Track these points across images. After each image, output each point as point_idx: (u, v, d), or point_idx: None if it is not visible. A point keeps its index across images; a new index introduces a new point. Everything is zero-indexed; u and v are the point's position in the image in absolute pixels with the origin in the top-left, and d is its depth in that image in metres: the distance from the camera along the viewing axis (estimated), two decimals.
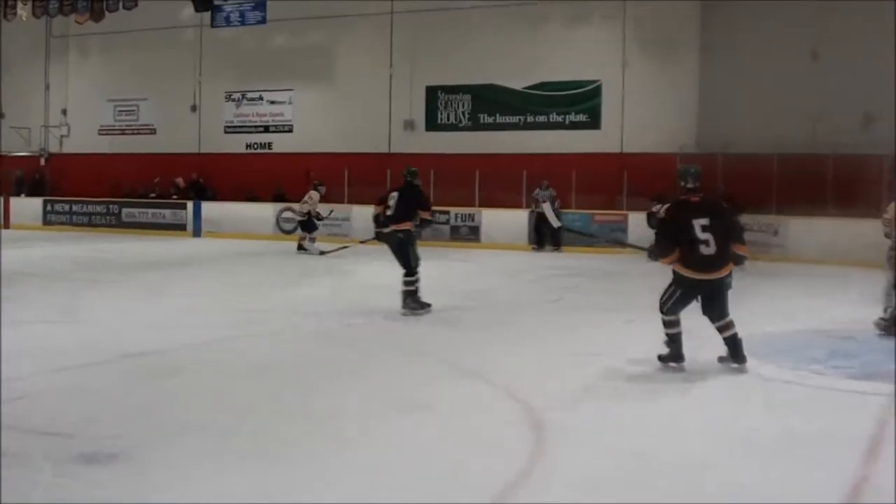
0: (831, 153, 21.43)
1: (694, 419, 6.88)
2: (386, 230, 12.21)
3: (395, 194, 12.25)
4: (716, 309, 8.52)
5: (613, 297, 12.78)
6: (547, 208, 19.75)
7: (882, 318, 10.37)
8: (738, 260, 8.54)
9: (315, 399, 7.33)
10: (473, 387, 7.92)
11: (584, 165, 24.52)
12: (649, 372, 8.66)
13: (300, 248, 21.56)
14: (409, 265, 11.89)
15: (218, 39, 29.86)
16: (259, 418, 6.62)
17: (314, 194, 21.86)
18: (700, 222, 8.38)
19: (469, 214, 24.76)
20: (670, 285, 8.62)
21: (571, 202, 24.05)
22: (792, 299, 13.96)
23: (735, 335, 8.49)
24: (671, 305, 8.57)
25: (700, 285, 8.46)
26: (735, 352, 8.50)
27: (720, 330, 8.53)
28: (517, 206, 24.29)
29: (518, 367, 8.72)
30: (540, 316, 12.28)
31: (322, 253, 20.70)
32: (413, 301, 11.84)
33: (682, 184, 8.68)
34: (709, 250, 8.32)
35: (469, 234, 23.77)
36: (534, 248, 23.28)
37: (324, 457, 5.75)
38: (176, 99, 30.83)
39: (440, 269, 14.51)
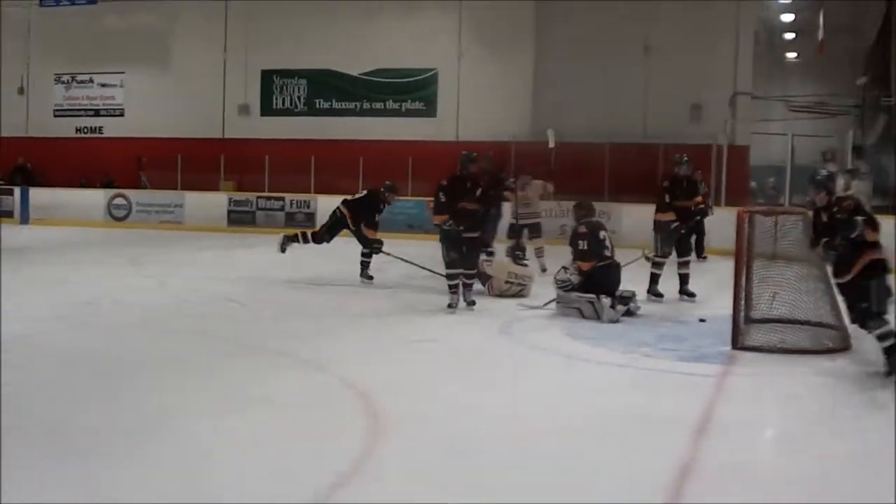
0: (661, 143, 22.00)
1: (528, 404, 6.91)
2: None
3: None
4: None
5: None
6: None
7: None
8: None
9: (144, 394, 7.03)
10: (309, 377, 7.78)
11: (420, 153, 24.55)
12: (485, 358, 8.73)
13: None
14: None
15: (47, 20, 28.95)
16: (87, 414, 6.34)
17: None
18: None
19: (304, 201, 24.54)
20: None
21: (408, 189, 24.07)
22: (622, 285, 14.20)
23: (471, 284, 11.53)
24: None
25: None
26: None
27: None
28: (355, 192, 24.06)
29: (353, 355, 8.64)
30: (375, 303, 12.23)
31: None
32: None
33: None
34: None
35: (305, 220, 23.48)
36: None
37: (153, 454, 5.55)
38: (2, 81, 29.60)
39: (274, 255, 14.31)
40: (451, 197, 11.27)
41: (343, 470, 5.23)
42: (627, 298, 10.92)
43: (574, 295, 10.98)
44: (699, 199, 13.11)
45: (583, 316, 10.72)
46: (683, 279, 12.48)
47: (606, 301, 10.68)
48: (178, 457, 5.51)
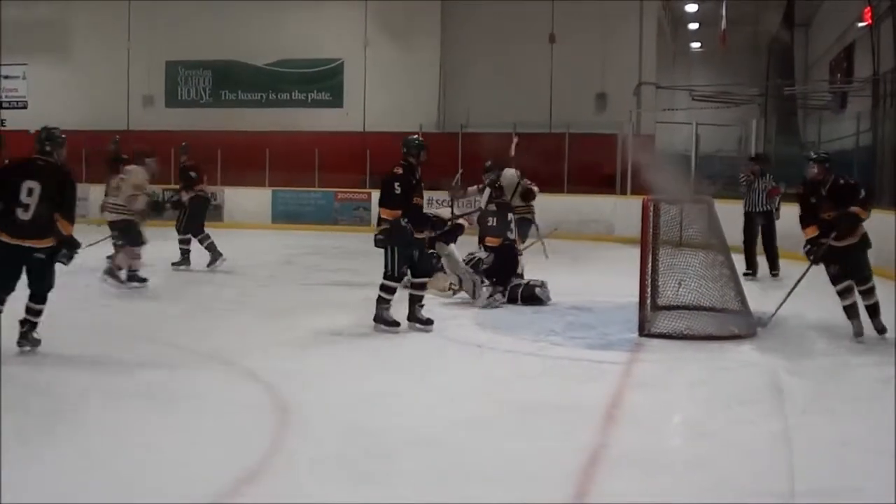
0: (567, 132, 22.15)
1: (437, 394, 6.88)
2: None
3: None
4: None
5: (354, 274, 12.73)
6: None
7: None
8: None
9: (43, 390, 6.85)
10: (213, 371, 7.63)
11: (327, 144, 24.39)
12: (393, 348, 8.67)
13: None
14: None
15: None
16: None
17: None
18: None
19: (211, 193, 24.20)
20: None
21: (315, 181, 23.91)
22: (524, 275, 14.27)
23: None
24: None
25: None
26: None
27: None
28: (260, 184, 23.94)
29: (259, 348, 8.48)
30: (282, 296, 12.11)
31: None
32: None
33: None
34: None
35: (212, 212, 23.13)
36: None
37: (53, 452, 5.38)
38: None
39: (177, 250, 14.09)
40: (408, 190, 9.19)
41: (251, 464, 5.13)
42: (534, 287, 10.98)
43: (466, 268, 11.01)
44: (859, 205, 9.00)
45: (459, 287, 10.92)
46: (870, 310, 9.11)
47: (487, 290, 10.74)
48: (78, 454, 5.34)
